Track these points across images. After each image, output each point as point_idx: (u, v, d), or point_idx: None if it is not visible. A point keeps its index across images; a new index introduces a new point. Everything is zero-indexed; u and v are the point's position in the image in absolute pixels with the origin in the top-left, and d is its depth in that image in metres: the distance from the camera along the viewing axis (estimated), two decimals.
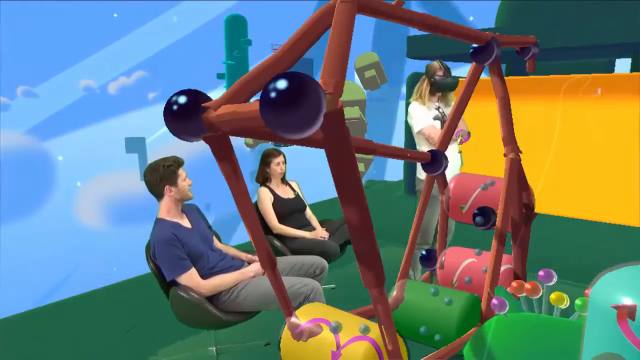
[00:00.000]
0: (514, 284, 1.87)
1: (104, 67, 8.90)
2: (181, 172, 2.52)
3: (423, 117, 3.31)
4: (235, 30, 8.17)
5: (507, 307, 1.80)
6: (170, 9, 9.57)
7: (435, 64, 3.27)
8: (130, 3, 8.77)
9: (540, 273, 1.87)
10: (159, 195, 2.53)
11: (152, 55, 9.35)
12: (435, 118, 3.30)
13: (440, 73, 3.25)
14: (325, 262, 2.82)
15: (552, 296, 1.79)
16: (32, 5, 8.00)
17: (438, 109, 3.34)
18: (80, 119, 8.75)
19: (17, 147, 8.28)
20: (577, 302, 1.79)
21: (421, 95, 3.31)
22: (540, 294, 1.82)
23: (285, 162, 3.45)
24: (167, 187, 2.49)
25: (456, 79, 3.26)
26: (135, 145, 8.57)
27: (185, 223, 2.58)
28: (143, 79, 9.29)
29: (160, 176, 2.48)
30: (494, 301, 1.81)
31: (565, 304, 1.80)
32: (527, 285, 1.83)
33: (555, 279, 1.88)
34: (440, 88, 3.26)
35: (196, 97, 1.29)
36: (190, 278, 2.41)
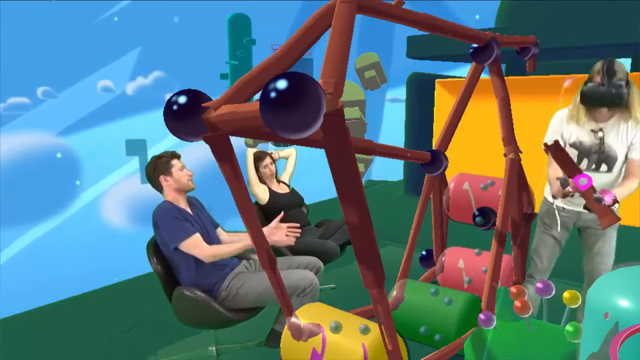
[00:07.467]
0: (513, 289, 1.83)
1: (123, 68, 8.92)
2: (176, 162, 2.55)
3: (548, 133, 2.46)
4: (239, 29, 8.08)
5: (495, 323, 1.80)
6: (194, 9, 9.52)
7: (597, 65, 2.21)
8: (146, 4, 8.76)
9: (539, 285, 1.83)
10: (157, 186, 2.57)
11: (170, 58, 9.33)
12: (572, 145, 2.34)
13: (597, 79, 2.19)
14: (320, 263, 2.80)
15: (566, 294, 1.72)
16: (46, 6, 8.00)
17: (596, 132, 2.29)
18: (101, 119, 8.79)
19: (28, 147, 8.27)
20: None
21: (574, 105, 2.33)
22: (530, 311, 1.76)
23: (273, 162, 3.49)
24: (161, 177, 2.53)
25: (614, 94, 2.15)
26: (135, 147, 8.48)
27: (189, 210, 2.62)
28: (160, 79, 9.28)
29: (153, 167, 2.54)
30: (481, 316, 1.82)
31: (578, 303, 1.76)
32: (517, 303, 1.77)
33: (553, 292, 1.82)
34: (585, 100, 2.23)
35: (196, 97, 1.29)
36: (195, 242, 2.42)
